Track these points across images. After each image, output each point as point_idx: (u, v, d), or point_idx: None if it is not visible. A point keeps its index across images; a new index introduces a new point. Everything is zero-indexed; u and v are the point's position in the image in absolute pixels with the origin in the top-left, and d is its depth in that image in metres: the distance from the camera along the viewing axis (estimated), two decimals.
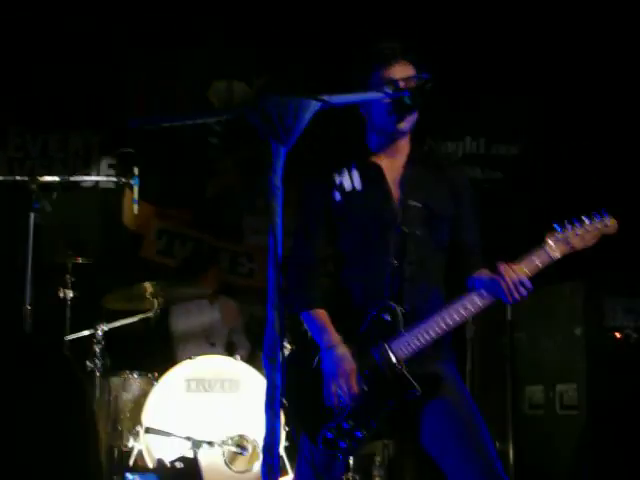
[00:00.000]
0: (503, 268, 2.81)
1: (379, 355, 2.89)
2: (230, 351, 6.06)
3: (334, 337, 2.94)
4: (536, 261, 2.86)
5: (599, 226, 2.89)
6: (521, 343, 5.23)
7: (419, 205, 3.00)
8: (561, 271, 5.24)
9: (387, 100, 2.90)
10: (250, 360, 5.37)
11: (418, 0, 6.88)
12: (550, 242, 2.86)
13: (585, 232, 2.89)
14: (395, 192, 3.03)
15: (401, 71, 2.93)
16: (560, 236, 2.87)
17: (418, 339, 2.87)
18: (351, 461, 4.97)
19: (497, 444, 5.20)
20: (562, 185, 6.87)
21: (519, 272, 2.81)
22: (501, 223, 6.40)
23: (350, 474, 5.01)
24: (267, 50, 7.05)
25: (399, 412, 2.92)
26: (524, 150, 7.49)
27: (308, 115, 1.83)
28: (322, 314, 3.01)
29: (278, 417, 1.63)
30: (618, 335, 4.87)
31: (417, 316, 2.90)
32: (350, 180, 3.06)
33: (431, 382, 2.89)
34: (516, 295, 2.81)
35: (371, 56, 3.00)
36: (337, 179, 3.06)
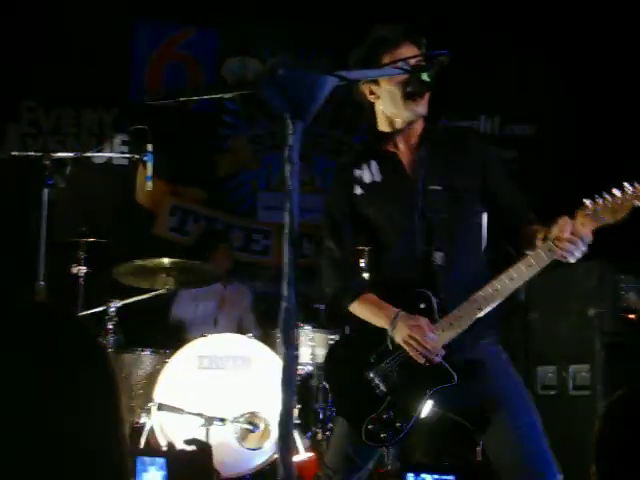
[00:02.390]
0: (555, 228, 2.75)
1: None
2: (240, 331, 6.07)
3: (393, 309, 2.91)
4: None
5: (630, 197, 2.69)
6: (534, 324, 5.22)
7: (439, 188, 2.97)
8: None
9: (400, 81, 2.89)
10: (261, 337, 5.37)
11: None
12: (579, 219, 2.72)
13: (616, 204, 2.69)
14: (414, 177, 3.00)
15: (407, 52, 2.91)
16: (590, 210, 2.71)
17: (452, 325, 2.87)
18: None
19: None
20: (576, 165, 6.83)
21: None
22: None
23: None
24: (282, 28, 7.03)
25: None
26: (539, 129, 7.46)
27: (325, 91, 1.81)
28: (372, 297, 2.98)
29: (293, 394, 1.62)
30: (632, 316, 4.86)
31: (452, 301, 2.89)
32: (370, 172, 3.04)
33: (472, 369, 2.89)
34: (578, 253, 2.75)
35: (375, 42, 2.97)
36: (357, 173, 3.05)
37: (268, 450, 4.96)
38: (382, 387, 2.90)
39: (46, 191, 4.32)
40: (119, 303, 5.25)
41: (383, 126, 3.07)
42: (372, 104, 3.06)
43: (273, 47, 7.22)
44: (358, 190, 3.04)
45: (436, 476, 2.82)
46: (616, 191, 2.70)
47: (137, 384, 5.22)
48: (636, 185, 2.69)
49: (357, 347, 2.98)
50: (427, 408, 2.92)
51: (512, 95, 7.21)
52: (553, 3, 6.88)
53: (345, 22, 6.69)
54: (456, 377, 2.85)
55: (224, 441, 4.88)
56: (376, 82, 2.99)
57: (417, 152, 3.03)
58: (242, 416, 4.93)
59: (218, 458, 4.74)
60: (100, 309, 5.24)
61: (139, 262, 5.32)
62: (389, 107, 3.00)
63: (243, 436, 4.94)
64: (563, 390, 4.94)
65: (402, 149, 3.06)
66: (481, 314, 2.86)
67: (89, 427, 1.25)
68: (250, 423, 4.92)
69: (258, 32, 7.12)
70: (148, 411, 4.97)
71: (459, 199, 2.98)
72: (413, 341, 2.83)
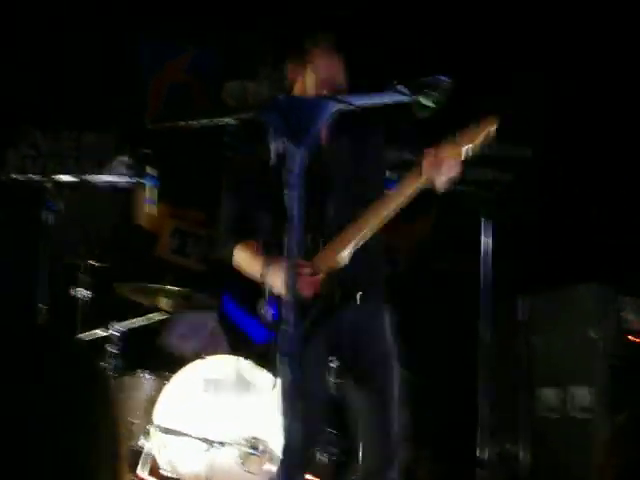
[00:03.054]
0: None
1: None
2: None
3: (269, 258, 3.00)
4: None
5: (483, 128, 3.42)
6: (535, 345, 5.21)
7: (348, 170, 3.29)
8: (576, 272, 5.21)
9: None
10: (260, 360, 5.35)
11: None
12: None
13: (472, 133, 3.38)
14: (328, 150, 3.31)
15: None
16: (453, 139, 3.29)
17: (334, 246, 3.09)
18: None
19: (508, 446, 5.18)
20: (574, 187, 6.83)
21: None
22: (512, 225, 6.37)
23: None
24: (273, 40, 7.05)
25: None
26: (536, 152, 7.46)
27: (325, 115, 1.83)
28: (253, 245, 3.16)
29: (296, 415, 1.62)
30: (633, 337, 4.85)
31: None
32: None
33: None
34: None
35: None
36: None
37: (270, 473, 4.94)
38: None
39: (46, 214, 4.32)
40: (119, 326, 5.25)
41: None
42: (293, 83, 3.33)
43: (263, 59, 7.24)
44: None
45: None
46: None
47: (137, 407, 5.20)
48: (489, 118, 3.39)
49: None
50: None
51: (508, 117, 7.22)
52: (551, 23, 6.90)
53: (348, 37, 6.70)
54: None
55: (225, 464, 4.86)
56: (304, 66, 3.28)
57: (332, 135, 3.30)
58: (244, 439, 4.91)
59: None
60: (100, 333, 5.23)
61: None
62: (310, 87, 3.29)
63: (244, 459, 4.92)
64: (564, 412, 4.92)
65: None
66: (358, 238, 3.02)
67: (86, 450, 1.25)
68: (252, 446, 4.90)
69: (261, 54, 7.14)
70: (147, 434, 4.95)
71: (365, 180, 3.28)
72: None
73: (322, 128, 3.21)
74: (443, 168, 3.13)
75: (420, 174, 3.11)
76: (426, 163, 3.11)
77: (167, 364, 5.60)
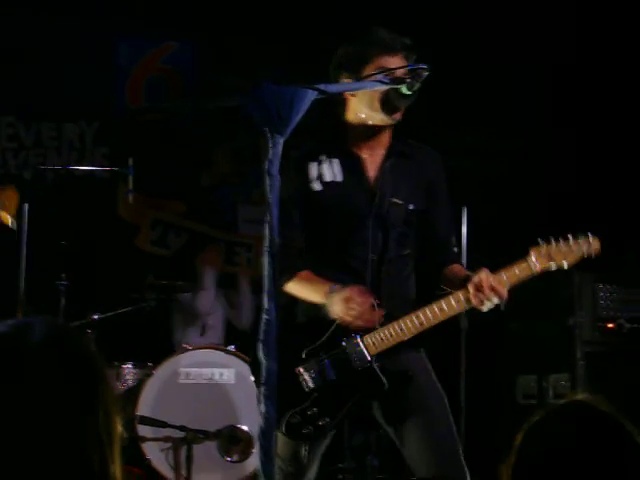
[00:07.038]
0: (477, 277, 2.85)
1: (350, 347, 2.89)
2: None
3: (329, 283, 2.90)
4: (517, 272, 2.91)
5: (583, 247, 2.93)
6: (514, 333, 5.25)
7: (400, 202, 3.01)
8: None
9: (381, 90, 2.88)
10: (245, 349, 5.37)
11: None
12: (533, 255, 2.91)
13: (568, 250, 2.92)
14: (375, 186, 3.01)
15: (398, 63, 2.91)
16: (544, 251, 2.91)
17: (392, 336, 2.88)
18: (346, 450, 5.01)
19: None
20: (564, 180, 6.85)
21: (495, 281, 2.86)
22: (503, 218, 6.41)
23: (345, 463, 5.05)
24: (266, 43, 7.04)
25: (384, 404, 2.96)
26: (526, 145, 7.47)
27: (305, 104, 1.83)
28: (308, 274, 2.96)
29: (274, 404, 1.63)
30: (611, 325, 4.89)
31: (392, 311, 2.91)
32: (331, 170, 3.03)
33: (401, 377, 2.91)
34: (483, 304, 2.88)
35: (372, 44, 2.96)
36: (315, 169, 3.02)
37: (251, 462, 4.97)
38: (310, 383, 2.88)
39: (26, 205, 4.32)
40: (100, 316, 5.25)
41: (352, 124, 3.04)
42: (345, 100, 3.03)
43: (251, 61, 7.24)
44: (317, 186, 3.01)
45: None
46: (570, 237, 2.93)
47: (118, 398, 5.21)
48: (589, 237, 2.93)
49: (295, 338, 2.92)
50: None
51: (499, 110, 7.22)
52: (540, 16, 6.90)
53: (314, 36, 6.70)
54: (386, 383, 2.86)
55: (207, 454, 4.89)
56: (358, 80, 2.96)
57: (383, 163, 3.04)
58: (225, 429, 4.94)
59: (202, 471, 4.78)
60: (80, 322, 5.23)
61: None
62: (364, 109, 2.98)
63: (226, 449, 4.95)
64: (544, 399, 4.97)
65: (368, 156, 3.04)
66: (423, 328, 2.88)
67: (88, 432, 1.27)
68: (232, 436, 4.93)
69: (238, 46, 7.13)
70: (130, 424, 4.97)
71: (413, 217, 3.05)
72: (350, 309, 2.82)
73: (374, 179, 3.02)
74: (494, 300, 2.88)
75: (469, 300, 2.89)
76: (480, 293, 2.86)
77: (150, 355, 5.62)
